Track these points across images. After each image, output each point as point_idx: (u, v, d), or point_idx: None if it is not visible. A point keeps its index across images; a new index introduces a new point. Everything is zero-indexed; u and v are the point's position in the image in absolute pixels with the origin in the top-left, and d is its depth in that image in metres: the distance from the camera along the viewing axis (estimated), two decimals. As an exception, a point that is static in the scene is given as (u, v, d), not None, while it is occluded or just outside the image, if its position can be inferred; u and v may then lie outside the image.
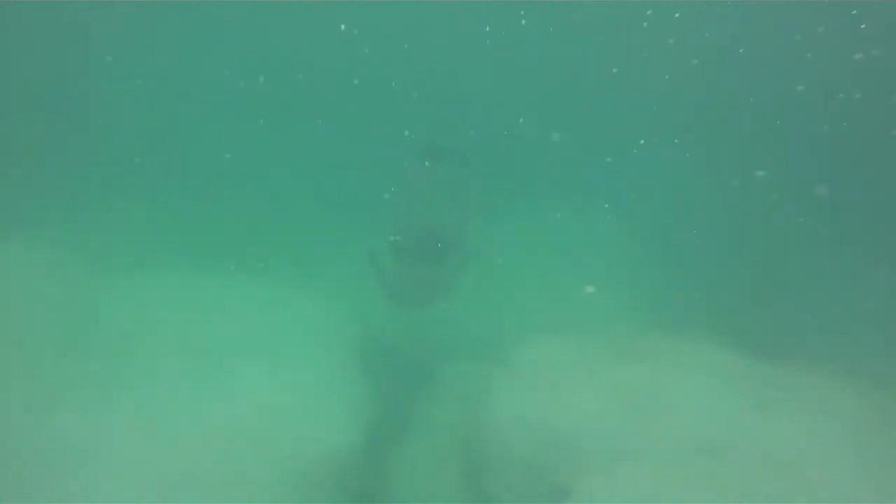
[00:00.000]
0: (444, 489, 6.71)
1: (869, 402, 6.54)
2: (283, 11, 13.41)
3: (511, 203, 11.32)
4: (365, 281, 8.63)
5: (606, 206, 11.34)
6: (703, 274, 9.65)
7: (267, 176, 12.18)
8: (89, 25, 12.63)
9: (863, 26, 11.56)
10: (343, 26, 13.30)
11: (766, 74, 12.22)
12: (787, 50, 12.12)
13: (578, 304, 8.58)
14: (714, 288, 9.27)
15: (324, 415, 6.67)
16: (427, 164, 8.28)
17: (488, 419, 6.58)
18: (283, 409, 6.57)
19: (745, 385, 6.68)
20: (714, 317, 8.47)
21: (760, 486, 5.76)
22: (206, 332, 7.44)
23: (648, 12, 12.84)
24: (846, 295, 9.15)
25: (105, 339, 7.27)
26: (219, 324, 7.59)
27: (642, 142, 10.73)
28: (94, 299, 7.79)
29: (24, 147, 10.95)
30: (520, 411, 6.48)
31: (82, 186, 10.86)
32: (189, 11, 13.17)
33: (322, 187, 12.22)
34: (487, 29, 13.47)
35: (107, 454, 5.93)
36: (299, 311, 7.98)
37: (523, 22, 13.40)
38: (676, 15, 12.70)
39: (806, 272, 9.71)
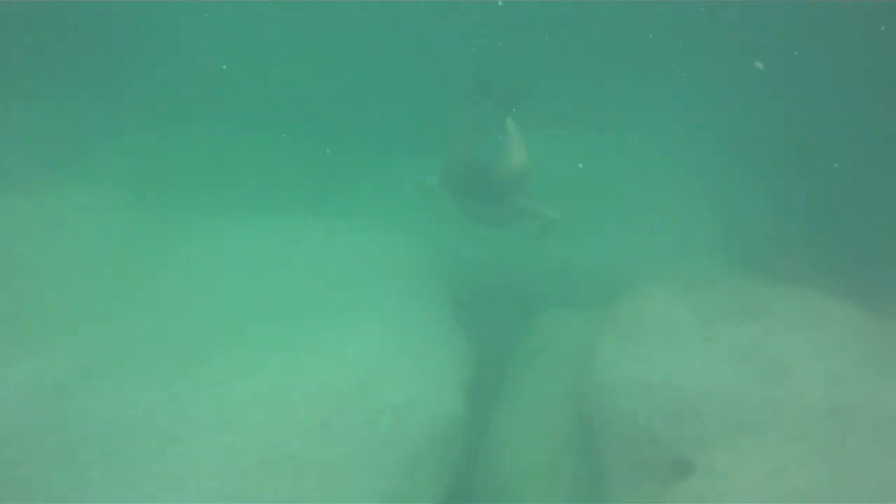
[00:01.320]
0: (554, 461, 6.55)
1: None
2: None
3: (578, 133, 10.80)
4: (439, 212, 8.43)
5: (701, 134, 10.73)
6: (811, 219, 9.17)
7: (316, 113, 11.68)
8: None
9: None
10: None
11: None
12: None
13: (680, 243, 8.18)
14: (823, 234, 8.82)
15: (421, 375, 6.31)
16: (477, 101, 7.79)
17: (599, 381, 6.34)
18: (377, 372, 6.14)
19: (866, 343, 6.34)
20: (824, 265, 8.05)
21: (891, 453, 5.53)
22: (286, 282, 7.19)
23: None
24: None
25: (177, 294, 6.99)
26: (298, 271, 7.34)
27: (759, 65, 9.88)
28: (160, 248, 7.54)
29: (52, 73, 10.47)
30: (633, 373, 6.20)
31: (117, 118, 10.53)
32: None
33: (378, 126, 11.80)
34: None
35: (197, 429, 5.50)
36: (380, 253, 7.65)
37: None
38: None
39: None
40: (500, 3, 12.81)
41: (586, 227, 8.66)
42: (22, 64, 10.40)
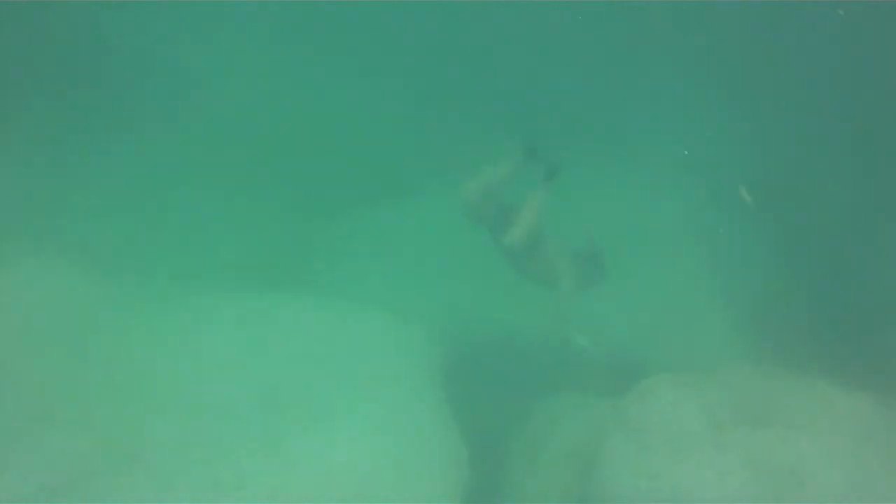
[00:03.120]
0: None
1: None
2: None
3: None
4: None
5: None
6: (826, 293, 8.81)
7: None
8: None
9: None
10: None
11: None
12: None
13: (688, 321, 7.81)
14: (838, 310, 8.48)
15: (414, 484, 5.92)
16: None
17: (604, 491, 5.97)
18: (368, 484, 5.77)
19: (883, 445, 6.01)
20: (839, 347, 7.71)
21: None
22: (267, 373, 6.68)
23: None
24: None
25: (150, 390, 6.44)
26: (280, 359, 6.84)
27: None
28: (130, 333, 6.96)
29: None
30: (641, 485, 5.85)
31: (80, 169, 9.77)
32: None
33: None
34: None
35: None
36: (370, 336, 7.22)
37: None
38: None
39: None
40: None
41: (592, 299, 8.22)
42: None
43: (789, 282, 9.27)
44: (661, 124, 11.73)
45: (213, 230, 9.58)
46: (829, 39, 11.42)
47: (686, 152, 10.98)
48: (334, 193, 10.65)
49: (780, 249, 9.81)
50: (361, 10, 12.68)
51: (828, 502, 5.63)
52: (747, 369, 6.70)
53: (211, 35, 11.69)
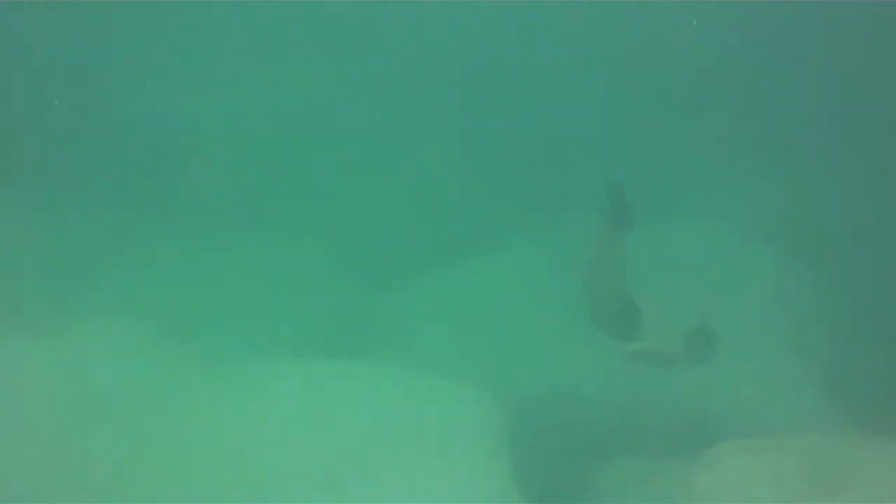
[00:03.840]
0: None
1: None
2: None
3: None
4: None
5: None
6: None
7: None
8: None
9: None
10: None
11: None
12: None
13: (759, 386, 7.58)
14: None
15: None
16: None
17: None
18: None
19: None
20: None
21: None
22: (312, 448, 6.54)
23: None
24: None
25: (205, 469, 6.36)
26: (333, 436, 6.67)
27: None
28: (186, 405, 6.89)
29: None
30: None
31: (130, 231, 9.88)
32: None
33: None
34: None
35: None
36: (424, 405, 7.03)
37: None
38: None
39: None
40: None
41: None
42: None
43: (864, 341, 8.96)
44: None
45: (270, 297, 9.59)
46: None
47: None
48: (393, 259, 10.55)
49: (853, 305, 9.50)
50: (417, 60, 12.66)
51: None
52: (822, 435, 6.48)
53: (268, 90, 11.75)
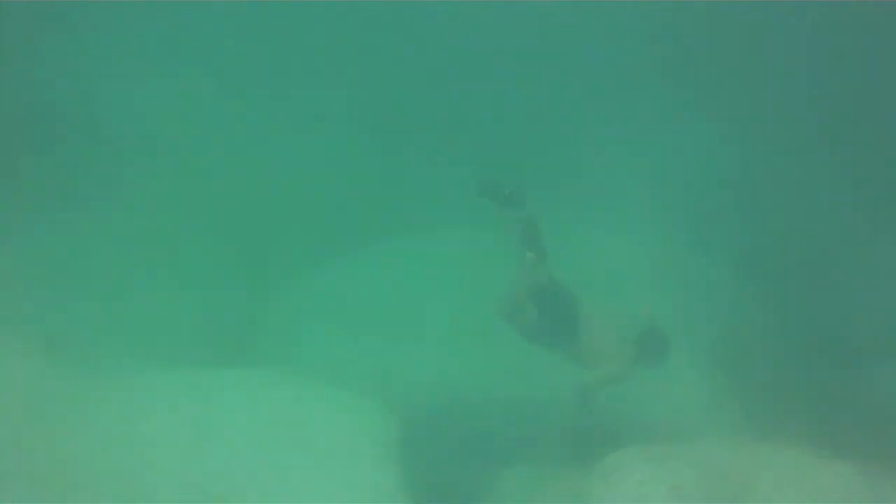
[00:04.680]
0: None
1: None
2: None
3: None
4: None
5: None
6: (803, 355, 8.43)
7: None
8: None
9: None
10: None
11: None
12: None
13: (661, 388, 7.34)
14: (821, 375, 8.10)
15: None
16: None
17: None
18: None
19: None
20: (823, 415, 7.30)
21: None
22: (196, 458, 6.14)
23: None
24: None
25: (56, 472, 5.92)
26: (212, 443, 6.28)
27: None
28: (70, 417, 6.41)
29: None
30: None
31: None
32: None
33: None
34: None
35: None
36: (314, 411, 6.71)
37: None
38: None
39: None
40: None
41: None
42: None
43: (765, 348, 8.90)
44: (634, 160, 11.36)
45: (151, 302, 9.05)
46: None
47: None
48: (273, 261, 10.20)
49: (756, 311, 9.45)
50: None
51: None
52: (720, 441, 6.28)
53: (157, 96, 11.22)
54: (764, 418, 7.37)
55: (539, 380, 7.93)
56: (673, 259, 10.15)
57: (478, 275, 9.42)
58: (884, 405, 7.99)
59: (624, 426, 7.19)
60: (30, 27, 11.02)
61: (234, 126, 11.63)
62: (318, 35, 12.38)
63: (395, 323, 9.17)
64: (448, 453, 7.44)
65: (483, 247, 9.61)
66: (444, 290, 9.51)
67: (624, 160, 11.43)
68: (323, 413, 6.75)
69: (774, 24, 12.02)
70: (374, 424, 6.77)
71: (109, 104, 11.08)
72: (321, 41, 12.37)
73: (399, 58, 12.64)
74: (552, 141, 12.22)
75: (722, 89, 12.08)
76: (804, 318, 9.51)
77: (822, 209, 10.84)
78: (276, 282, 9.89)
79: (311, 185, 11.46)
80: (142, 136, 10.95)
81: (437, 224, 10.69)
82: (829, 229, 10.61)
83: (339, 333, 8.96)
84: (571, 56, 12.63)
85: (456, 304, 9.27)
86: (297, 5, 12.40)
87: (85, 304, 8.72)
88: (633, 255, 9.99)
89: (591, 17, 12.48)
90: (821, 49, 11.56)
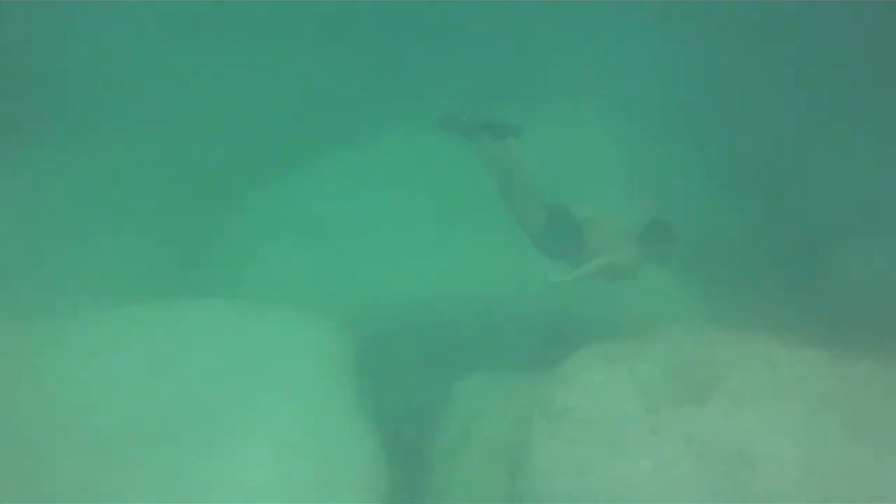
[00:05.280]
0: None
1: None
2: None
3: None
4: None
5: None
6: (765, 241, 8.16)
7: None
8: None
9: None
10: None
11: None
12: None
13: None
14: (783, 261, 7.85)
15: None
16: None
17: (533, 496, 5.29)
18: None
19: (839, 411, 5.37)
20: (790, 297, 7.07)
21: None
22: (147, 394, 5.93)
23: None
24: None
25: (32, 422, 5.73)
26: (173, 380, 6.05)
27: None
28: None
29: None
30: (574, 486, 5.17)
31: None
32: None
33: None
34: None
35: None
36: (266, 337, 6.46)
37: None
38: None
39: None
40: None
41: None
42: None
43: (724, 229, 8.65)
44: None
45: (105, 241, 8.71)
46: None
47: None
48: (225, 184, 9.78)
49: (713, 193, 9.18)
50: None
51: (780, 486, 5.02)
52: (683, 336, 6.03)
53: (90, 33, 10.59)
54: (731, 313, 7.15)
55: (500, 284, 7.70)
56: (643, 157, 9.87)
57: (427, 182, 9.16)
58: (848, 289, 7.82)
59: (587, 327, 6.97)
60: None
61: (174, 51, 11.07)
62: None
63: (347, 238, 8.86)
64: (408, 367, 7.27)
65: (428, 153, 9.35)
66: (392, 199, 9.16)
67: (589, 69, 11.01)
68: (277, 337, 6.52)
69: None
70: (332, 344, 6.55)
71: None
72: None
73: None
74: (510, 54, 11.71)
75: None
76: (769, 214, 9.30)
77: (787, 107, 10.49)
78: (222, 207, 9.55)
79: (246, 108, 11.02)
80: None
81: (380, 134, 10.33)
82: (792, 126, 10.31)
83: (291, 254, 8.68)
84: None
85: (407, 213, 8.95)
86: None
87: (30, 245, 8.43)
88: (606, 155, 9.67)
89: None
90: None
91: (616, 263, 6.64)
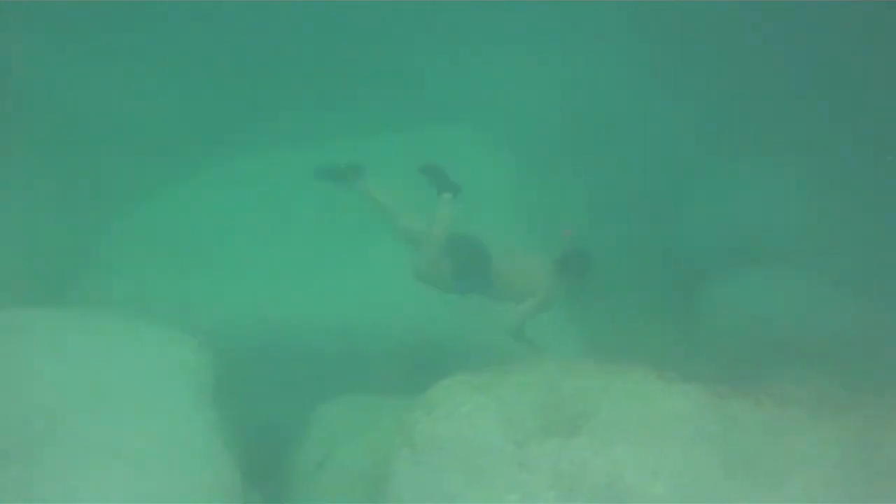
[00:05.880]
0: None
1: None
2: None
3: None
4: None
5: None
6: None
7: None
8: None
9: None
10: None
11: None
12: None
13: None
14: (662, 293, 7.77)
15: None
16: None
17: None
18: None
19: (714, 447, 5.17)
20: (665, 335, 6.95)
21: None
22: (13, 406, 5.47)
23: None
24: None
25: None
26: (12, 390, 5.58)
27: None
28: None
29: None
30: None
31: None
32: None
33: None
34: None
35: None
36: (123, 355, 6.05)
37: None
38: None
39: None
40: None
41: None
42: None
43: (605, 260, 8.56)
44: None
45: None
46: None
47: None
48: (109, 193, 9.44)
49: (595, 222, 9.10)
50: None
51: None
52: (555, 367, 5.76)
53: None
54: (607, 347, 6.99)
55: (366, 306, 7.40)
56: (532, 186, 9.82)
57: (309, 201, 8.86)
58: (727, 324, 7.78)
59: (457, 355, 6.72)
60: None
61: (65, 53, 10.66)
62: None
63: (222, 254, 8.75)
64: (271, 388, 7.12)
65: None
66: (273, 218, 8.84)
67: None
68: (136, 355, 6.15)
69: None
70: (192, 362, 6.23)
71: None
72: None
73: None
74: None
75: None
76: (651, 245, 9.27)
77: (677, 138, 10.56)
78: (104, 217, 9.26)
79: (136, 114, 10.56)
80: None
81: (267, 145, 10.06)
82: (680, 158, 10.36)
83: (163, 267, 8.49)
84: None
85: (287, 232, 8.66)
86: None
87: None
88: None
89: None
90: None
91: (545, 301, 6.52)
